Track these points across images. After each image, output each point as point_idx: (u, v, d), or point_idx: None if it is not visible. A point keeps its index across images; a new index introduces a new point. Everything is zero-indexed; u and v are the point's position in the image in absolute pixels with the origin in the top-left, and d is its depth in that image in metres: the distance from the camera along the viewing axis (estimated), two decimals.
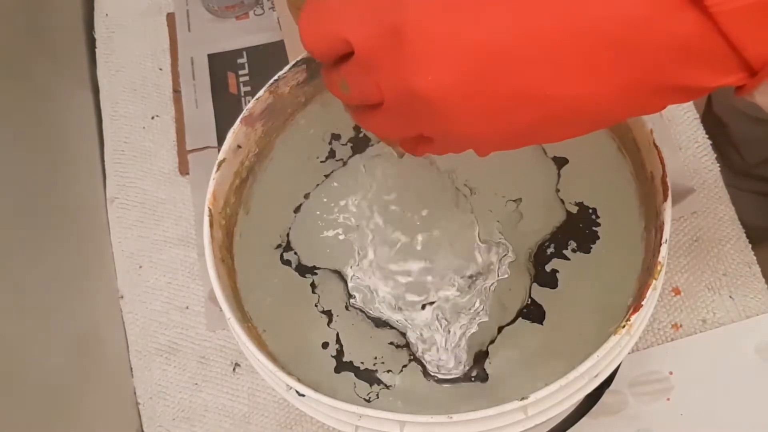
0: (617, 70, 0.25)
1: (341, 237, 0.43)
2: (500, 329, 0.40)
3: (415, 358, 0.40)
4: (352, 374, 0.39)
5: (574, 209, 0.43)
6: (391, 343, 0.40)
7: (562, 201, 0.43)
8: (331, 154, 0.45)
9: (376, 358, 0.39)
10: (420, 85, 0.26)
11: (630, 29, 0.24)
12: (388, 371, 0.39)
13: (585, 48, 0.24)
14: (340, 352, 0.40)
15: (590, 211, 0.43)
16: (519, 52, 0.25)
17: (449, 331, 0.40)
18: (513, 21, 0.25)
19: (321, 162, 0.45)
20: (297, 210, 0.44)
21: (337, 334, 0.40)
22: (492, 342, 0.40)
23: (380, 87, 0.28)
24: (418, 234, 0.43)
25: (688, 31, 0.23)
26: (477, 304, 0.41)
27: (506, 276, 0.41)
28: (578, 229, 0.42)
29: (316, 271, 0.42)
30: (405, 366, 0.39)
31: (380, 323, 0.40)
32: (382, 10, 0.27)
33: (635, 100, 0.26)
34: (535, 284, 0.41)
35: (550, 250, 0.42)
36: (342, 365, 0.40)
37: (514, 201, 0.43)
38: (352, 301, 0.41)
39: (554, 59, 0.25)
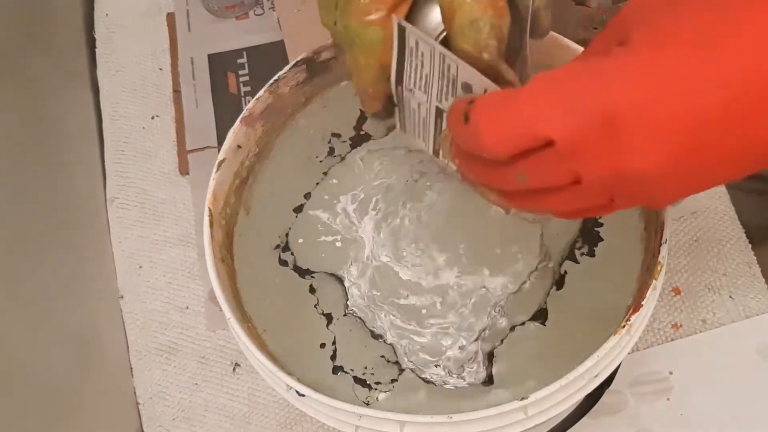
0: None
1: (338, 245, 0.43)
2: (512, 328, 0.40)
3: (409, 371, 0.40)
4: (350, 377, 0.39)
5: None
6: (383, 357, 0.40)
7: None
8: (330, 151, 0.45)
9: (366, 368, 0.39)
10: (636, 166, 0.26)
11: None
12: (378, 383, 0.39)
13: None
14: (333, 356, 0.40)
15: None
16: (735, 110, 0.24)
17: (461, 348, 0.40)
18: (723, 81, 0.24)
19: (320, 161, 0.45)
20: (298, 210, 0.44)
21: (334, 338, 0.40)
22: (501, 342, 0.40)
23: (578, 173, 0.27)
24: (434, 250, 0.42)
25: None
26: (492, 315, 0.40)
27: (534, 280, 0.41)
28: (586, 230, 0.42)
29: (313, 274, 0.42)
30: (394, 380, 0.39)
31: (376, 335, 0.40)
32: (587, 98, 0.26)
33: None
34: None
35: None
36: (335, 368, 0.40)
37: None
38: (348, 310, 0.41)
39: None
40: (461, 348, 0.39)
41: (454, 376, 0.39)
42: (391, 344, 0.40)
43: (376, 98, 0.36)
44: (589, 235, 0.42)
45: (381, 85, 0.35)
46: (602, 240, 0.41)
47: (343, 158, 0.45)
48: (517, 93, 0.27)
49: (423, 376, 0.39)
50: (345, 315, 0.41)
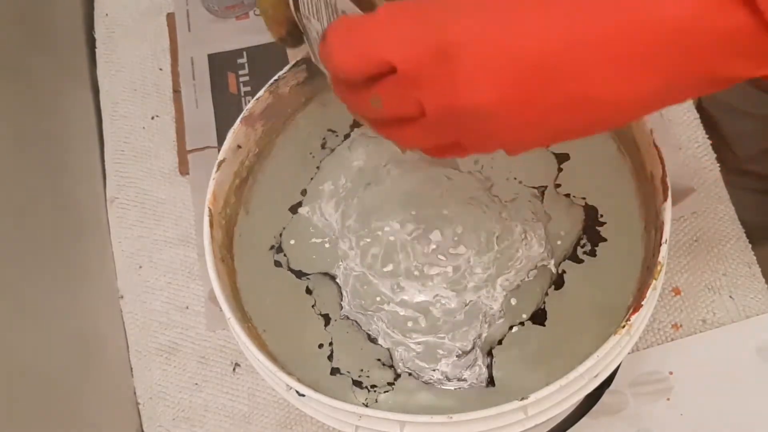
0: (664, 67, 0.25)
1: (327, 246, 0.43)
2: (510, 328, 0.40)
3: (406, 375, 0.39)
4: (348, 379, 0.39)
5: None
6: (378, 360, 0.40)
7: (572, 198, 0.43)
8: (323, 144, 0.45)
9: (362, 370, 0.39)
10: (470, 100, 0.27)
11: (679, 27, 0.24)
12: (374, 386, 0.39)
13: (634, 49, 0.25)
14: (330, 357, 0.40)
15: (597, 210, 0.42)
16: (569, 59, 0.25)
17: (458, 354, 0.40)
18: (561, 29, 0.25)
19: (313, 157, 0.45)
20: (293, 210, 0.44)
21: (331, 339, 0.40)
22: (500, 343, 0.40)
23: (421, 103, 0.28)
24: (428, 243, 0.42)
25: (734, 26, 0.24)
26: (494, 308, 0.40)
27: (532, 279, 0.41)
28: (588, 229, 0.42)
29: (308, 275, 0.42)
30: (391, 384, 0.39)
31: (372, 338, 0.40)
32: (426, 29, 0.27)
33: (677, 92, 0.27)
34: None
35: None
36: (333, 369, 0.40)
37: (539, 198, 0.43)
38: (343, 312, 0.41)
39: (603, 63, 0.25)
40: (458, 356, 0.39)
41: (454, 380, 0.39)
42: (387, 348, 0.40)
43: (277, 22, 0.37)
44: (592, 235, 0.42)
45: (281, 9, 0.36)
46: (604, 240, 0.41)
47: (332, 150, 0.45)
48: (365, 18, 0.29)
49: (422, 379, 0.39)
50: (341, 318, 0.41)
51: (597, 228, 0.42)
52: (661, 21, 0.24)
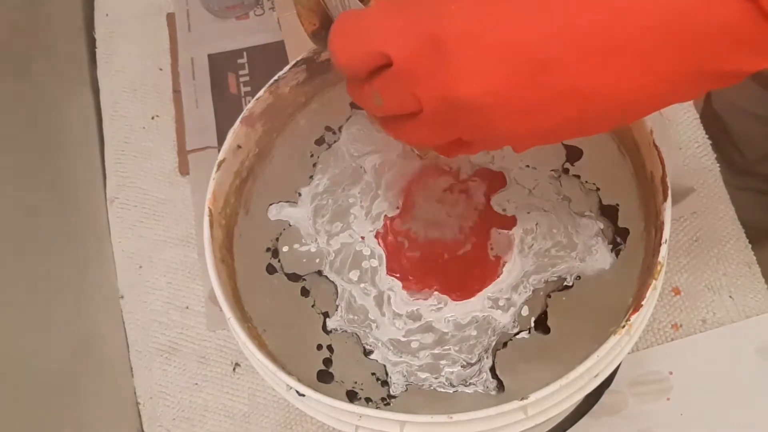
0: (662, 60, 0.25)
1: (313, 250, 0.43)
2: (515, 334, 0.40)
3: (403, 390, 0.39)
4: (343, 389, 0.39)
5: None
6: (373, 374, 0.39)
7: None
8: (320, 141, 0.45)
9: (356, 383, 0.39)
10: (463, 92, 0.26)
11: (676, 18, 0.24)
12: (369, 399, 0.39)
13: (630, 41, 0.24)
14: (327, 361, 0.40)
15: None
16: (562, 51, 0.25)
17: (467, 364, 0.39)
18: (554, 20, 0.25)
19: (311, 155, 0.45)
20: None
21: (330, 345, 0.40)
22: (504, 346, 0.39)
23: (419, 97, 0.28)
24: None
25: (733, 18, 0.23)
26: (508, 319, 0.40)
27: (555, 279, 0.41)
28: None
29: (303, 277, 0.42)
30: (385, 401, 0.38)
31: (368, 352, 0.40)
32: (420, 22, 0.27)
33: (678, 89, 0.26)
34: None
35: None
36: (327, 375, 0.39)
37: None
38: (338, 321, 0.41)
39: (598, 55, 0.25)
40: (463, 366, 0.39)
41: (459, 386, 0.38)
42: (383, 365, 0.39)
43: (311, 11, 0.36)
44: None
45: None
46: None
47: (330, 146, 0.45)
48: (363, 11, 0.29)
49: (423, 387, 0.39)
50: (337, 328, 0.41)
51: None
52: (652, 11, 0.24)
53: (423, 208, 0.43)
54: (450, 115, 0.28)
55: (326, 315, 0.41)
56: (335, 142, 0.45)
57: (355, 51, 0.29)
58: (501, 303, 0.40)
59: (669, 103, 0.27)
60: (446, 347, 0.39)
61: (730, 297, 0.53)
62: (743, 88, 0.26)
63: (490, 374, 0.38)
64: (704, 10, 0.24)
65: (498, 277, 0.40)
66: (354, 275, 0.41)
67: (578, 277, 0.40)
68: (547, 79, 0.26)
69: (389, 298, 0.41)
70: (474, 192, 0.43)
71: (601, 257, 0.40)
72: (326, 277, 0.42)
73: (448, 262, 0.41)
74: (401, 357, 0.39)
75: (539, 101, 0.26)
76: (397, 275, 0.41)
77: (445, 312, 0.40)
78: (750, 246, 0.55)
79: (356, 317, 0.40)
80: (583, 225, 0.41)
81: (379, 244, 0.42)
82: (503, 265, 0.41)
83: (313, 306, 0.41)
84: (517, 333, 0.39)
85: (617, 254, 0.40)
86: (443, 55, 0.26)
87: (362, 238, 0.42)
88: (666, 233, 0.36)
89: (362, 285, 0.41)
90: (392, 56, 0.28)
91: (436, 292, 0.40)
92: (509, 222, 0.42)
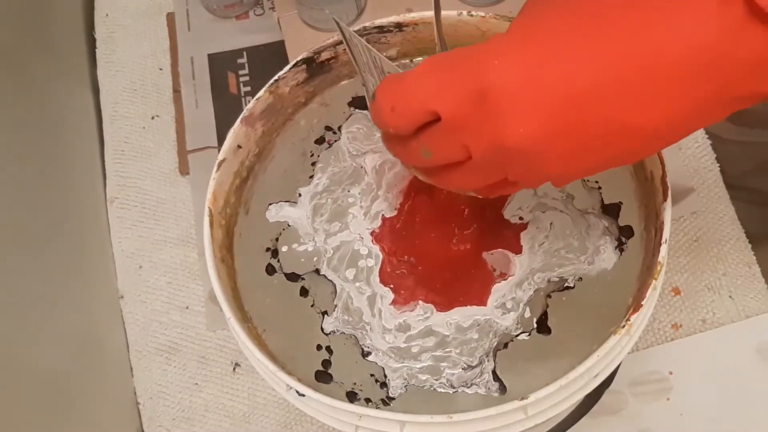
0: (698, 91, 0.26)
1: (310, 249, 0.43)
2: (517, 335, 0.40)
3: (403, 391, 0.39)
4: (343, 390, 0.39)
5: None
6: (372, 376, 0.39)
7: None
8: (320, 140, 0.45)
9: (355, 384, 0.39)
10: (513, 140, 0.28)
11: (706, 52, 0.25)
12: (368, 399, 0.38)
13: (667, 77, 0.26)
14: (327, 362, 0.40)
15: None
16: (606, 92, 0.27)
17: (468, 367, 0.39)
18: (595, 63, 0.27)
19: (311, 154, 0.45)
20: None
21: (329, 347, 0.40)
22: (506, 346, 0.39)
23: (468, 147, 0.30)
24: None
25: (755, 47, 0.25)
26: (510, 322, 0.40)
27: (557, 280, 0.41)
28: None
29: (302, 276, 0.42)
30: (385, 402, 0.38)
31: (367, 354, 0.40)
32: (465, 78, 0.28)
33: (710, 114, 0.28)
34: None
35: None
36: (327, 376, 0.39)
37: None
38: (334, 322, 0.41)
39: (636, 92, 0.26)
40: (464, 369, 0.39)
41: (460, 388, 0.38)
42: (381, 367, 0.39)
43: None
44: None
45: None
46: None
47: (330, 145, 0.45)
48: (408, 73, 0.31)
49: (423, 388, 0.39)
50: (335, 330, 0.41)
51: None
52: (688, 50, 0.25)
53: (422, 216, 0.43)
54: (499, 161, 0.29)
55: (325, 314, 0.41)
56: (336, 141, 0.45)
57: (403, 111, 0.30)
58: (509, 305, 0.40)
59: (701, 126, 0.29)
60: (447, 349, 0.39)
61: (730, 297, 0.53)
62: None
63: (492, 376, 0.38)
64: (730, 43, 0.25)
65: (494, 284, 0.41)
66: (350, 273, 0.41)
67: (580, 279, 0.40)
68: (593, 120, 0.27)
69: (380, 311, 0.40)
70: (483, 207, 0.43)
71: (607, 257, 0.40)
72: (324, 276, 0.42)
73: (444, 280, 0.41)
74: (403, 362, 0.39)
75: (586, 141, 0.28)
76: (391, 286, 0.41)
77: (446, 317, 0.40)
78: (750, 246, 0.55)
79: (351, 319, 0.40)
80: (593, 225, 0.41)
81: (373, 243, 0.42)
82: (501, 280, 0.41)
83: (312, 306, 0.41)
84: (519, 335, 0.39)
85: (621, 253, 0.40)
86: (491, 106, 0.28)
87: (361, 237, 0.42)
88: (666, 233, 0.36)
89: (357, 284, 0.41)
90: (441, 111, 0.29)
91: (420, 302, 0.40)
92: (518, 230, 0.42)
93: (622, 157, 0.29)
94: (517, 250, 0.41)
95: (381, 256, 0.42)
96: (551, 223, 0.41)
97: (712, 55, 0.25)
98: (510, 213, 0.42)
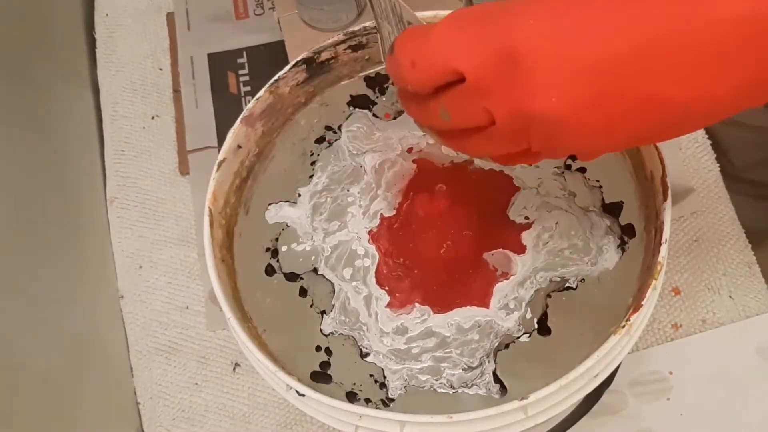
0: (739, 67, 0.25)
1: (308, 249, 0.43)
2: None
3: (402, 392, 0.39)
4: (343, 390, 0.39)
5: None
6: (371, 376, 0.39)
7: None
8: (320, 140, 0.45)
9: (354, 384, 0.39)
10: (539, 107, 0.26)
11: (748, 25, 0.24)
12: (368, 399, 0.38)
13: (704, 48, 0.24)
14: (326, 362, 0.40)
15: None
16: (640, 61, 0.25)
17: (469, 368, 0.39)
18: (630, 30, 0.25)
19: (311, 154, 0.45)
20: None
21: (328, 348, 0.40)
22: (506, 347, 0.39)
23: (491, 112, 0.28)
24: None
25: None
26: (512, 323, 0.40)
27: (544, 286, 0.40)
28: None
29: (301, 275, 0.42)
30: (384, 402, 0.38)
31: (365, 354, 0.40)
32: (493, 37, 0.27)
33: (751, 94, 0.26)
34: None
35: None
36: (326, 376, 0.39)
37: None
38: (331, 323, 0.40)
39: (673, 64, 0.25)
40: (464, 370, 0.39)
41: (461, 388, 0.38)
42: (381, 368, 0.39)
43: None
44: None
45: None
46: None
47: (330, 144, 0.45)
48: (432, 27, 0.28)
49: (423, 388, 0.39)
50: (334, 332, 0.41)
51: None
52: (729, 19, 0.24)
53: (419, 217, 0.43)
54: (524, 128, 0.28)
55: (324, 313, 0.41)
56: (336, 140, 0.45)
57: (425, 68, 0.29)
58: (512, 305, 0.40)
59: (741, 109, 0.27)
60: (448, 350, 0.39)
61: (730, 297, 0.53)
62: None
63: (492, 377, 0.38)
64: None
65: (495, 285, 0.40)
66: (347, 273, 0.41)
67: (582, 280, 0.40)
68: (626, 91, 0.26)
69: (377, 314, 0.40)
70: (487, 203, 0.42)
71: (609, 257, 0.40)
72: (323, 275, 0.42)
73: (441, 282, 0.41)
74: (403, 364, 0.39)
75: (615, 113, 0.26)
76: (386, 288, 0.41)
77: (446, 318, 0.40)
78: (750, 246, 0.55)
79: (348, 319, 0.40)
80: (596, 224, 0.41)
81: (370, 243, 0.42)
82: (502, 280, 0.40)
83: (311, 306, 0.41)
84: (520, 336, 0.39)
85: (622, 253, 0.40)
86: (520, 69, 0.26)
87: (359, 237, 0.42)
88: (666, 233, 0.36)
89: (354, 283, 0.41)
90: (465, 72, 0.27)
91: (417, 304, 0.40)
92: (519, 230, 0.41)
93: (655, 133, 0.28)
94: (519, 250, 0.41)
95: (377, 256, 0.42)
96: (556, 223, 0.41)
97: (757, 27, 0.24)
98: (515, 213, 0.42)
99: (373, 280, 0.41)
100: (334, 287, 0.41)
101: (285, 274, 0.42)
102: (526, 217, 0.42)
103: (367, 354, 0.39)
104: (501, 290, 0.40)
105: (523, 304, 0.40)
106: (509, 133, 0.28)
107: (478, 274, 0.41)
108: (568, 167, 0.43)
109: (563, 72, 0.26)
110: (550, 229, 0.41)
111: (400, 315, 0.40)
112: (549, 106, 0.26)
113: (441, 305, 0.40)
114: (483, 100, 0.28)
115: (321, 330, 0.40)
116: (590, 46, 0.25)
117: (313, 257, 0.42)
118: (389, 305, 0.40)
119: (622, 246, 0.40)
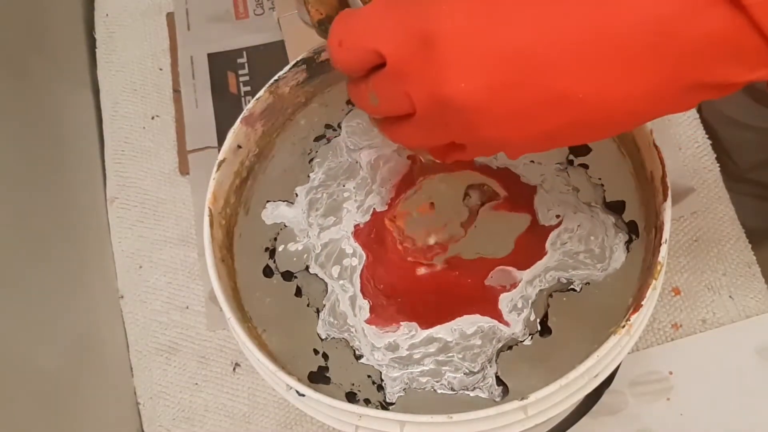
0: (649, 70, 0.25)
1: (300, 248, 0.43)
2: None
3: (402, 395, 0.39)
4: (342, 391, 0.39)
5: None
6: (369, 377, 0.39)
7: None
8: (319, 138, 0.45)
9: (353, 384, 0.39)
10: (452, 92, 0.26)
11: (661, 27, 0.24)
12: (367, 400, 0.38)
13: (616, 48, 0.24)
14: (324, 364, 0.40)
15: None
16: (551, 56, 0.25)
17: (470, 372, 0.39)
18: (544, 25, 0.25)
19: (309, 152, 0.45)
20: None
21: (325, 353, 0.40)
22: (509, 348, 0.39)
23: (411, 97, 0.28)
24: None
25: (720, 27, 0.23)
26: (519, 327, 0.39)
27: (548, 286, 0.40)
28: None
29: (295, 274, 0.42)
30: (383, 404, 0.38)
31: (359, 356, 0.40)
32: (412, 20, 0.27)
33: (667, 99, 0.26)
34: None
35: None
36: (326, 377, 0.39)
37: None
38: (321, 325, 0.40)
39: (586, 61, 0.25)
40: (466, 374, 0.39)
41: (461, 391, 0.38)
42: (378, 370, 0.39)
43: (322, 2, 0.36)
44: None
45: None
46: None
47: (329, 141, 0.45)
48: (360, 10, 0.29)
49: (423, 389, 0.39)
50: (327, 336, 0.41)
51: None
52: (642, 21, 0.24)
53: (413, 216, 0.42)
54: (440, 116, 0.28)
55: (318, 312, 0.41)
56: (335, 137, 0.45)
57: (351, 49, 0.29)
58: (519, 305, 0.40)
59: (658, 114, 0.27)
60: (450, 354, 0.39)
61: (730, 297, 0.53)
62: (733, 99, 0.26)
63: (495, 380, 0.38)
64: (689, 20, 0.23)
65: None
66: (335, 271, 0.41)
67: (587, 283, 0.40)
68: (534, 83, 0.25)
69: (363, 327, 0.40)
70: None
71: (617, 257, 0.40)
72: (315, 274, 0.42)
73: (428, 304, 0.40)
74: (405, 369, 0.39)
75: (526, 105, 0.26)
76: (369, 303, 0.40)
77: (449, 324, 0.40)
78: (750, 246, 0.55)
79: (337, 322, 0.40)
80: (608, 225, 0.41)
81: (354, 240, 0.42)
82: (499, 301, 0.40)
83: (308, 305, 0.41)
84: (524, 340, 0.39)
85: (628, 252, 0.40)
86: (433, 53, 0.26)
87: (348, 236, 0.42)
88: (666, 233, 0.36)
89: (341, 282, 0.41)
90: (385, 54, 0.28)
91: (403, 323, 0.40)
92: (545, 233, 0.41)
93: (571, 133, 0.27)
94: (522, 266, 0.40)
95: (365, 255, 0.41)
96: (579, 225, 0.41)
97: (670, 31, 0.23)
98: (542, 215, 0.42)
99: (358, 282, 0.41)
100: (326, 286, 0.41)
101: (282, 274, 0.42)
102: (557, 215, 0.41)
103: (361, 356, 0.39)
104: (506, 297, 0.40)
105: (530, 302, 0.39)
106: (429, 120, 0.28)
107: (477, 294, 0.40)
108: (570, 162, 0.43)
109: (473, 58, 0.26)
110: (571, 231, 0.41)
111: (387, 332, 0.40)
112: (459, 91, 0.26)
113: (430, 322, 0.39)
114: (403, 84, 0.28)
115: (318, 334, 0.40)
116: (502, 34, 0.25)
117: (305, 255, 0.42)
118: (371, 322, 0.40)
119: (628, 244, 0.40)
